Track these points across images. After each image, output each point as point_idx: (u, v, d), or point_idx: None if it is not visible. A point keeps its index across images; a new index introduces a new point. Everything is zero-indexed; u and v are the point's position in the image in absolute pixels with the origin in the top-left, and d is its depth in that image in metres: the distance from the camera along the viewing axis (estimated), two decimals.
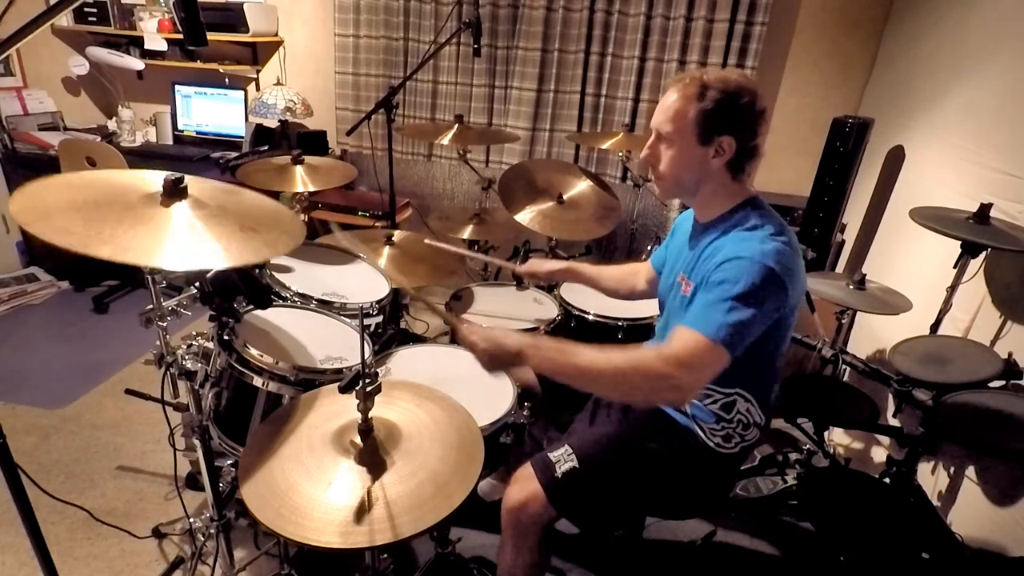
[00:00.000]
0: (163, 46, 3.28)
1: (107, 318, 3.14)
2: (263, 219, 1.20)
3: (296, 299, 1.74)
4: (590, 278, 1.76)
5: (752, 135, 1.21)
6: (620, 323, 2.00)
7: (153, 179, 1.16)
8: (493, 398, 1.56)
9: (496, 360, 1.20)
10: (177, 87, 3.48)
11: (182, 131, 3.54)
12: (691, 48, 2.84)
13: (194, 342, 1.45)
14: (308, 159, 2.22)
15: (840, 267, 2.76)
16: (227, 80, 3.45)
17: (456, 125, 2.51)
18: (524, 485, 1.36)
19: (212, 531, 1.51)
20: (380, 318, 1.87)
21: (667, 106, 1.23)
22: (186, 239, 1.06)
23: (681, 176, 1.27)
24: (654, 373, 1.11)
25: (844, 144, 2.42)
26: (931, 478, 1.88)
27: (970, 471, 1.73)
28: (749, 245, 1.17)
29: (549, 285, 2.50)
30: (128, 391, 2.01)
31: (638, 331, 1.96)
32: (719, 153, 1.21)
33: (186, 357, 1.39)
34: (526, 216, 2.28)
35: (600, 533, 1.92)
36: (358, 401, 1.03)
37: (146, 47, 3.27)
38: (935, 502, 1.81)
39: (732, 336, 1.11)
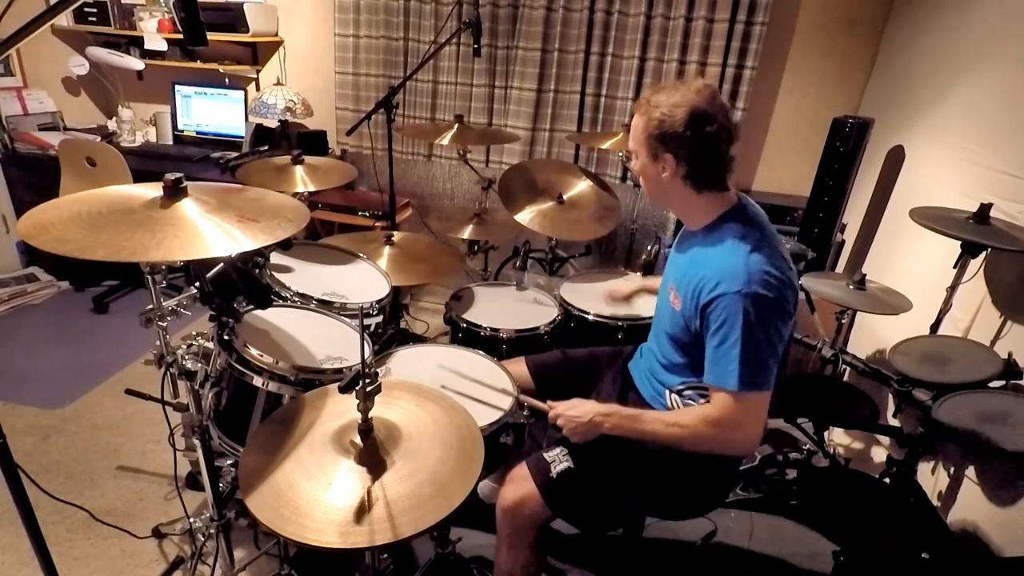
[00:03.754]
0: (163, 46, 3.28)
1: (107, 318, 3.14)
2: (263, 210, 1.21)
3: (296, 299, 1.74)
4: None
5: (694, 153, 1.23)
6: (620, 323, 2.00)
7: (152, 187, 1.18)
8: (493, 398, 1.56)
9: (580, 436, 1.33)
10: (177, 87, 3.48)
11: (182, 131, 3.54)
12: (691, 48, 2.84)
13: (194, 342, 1.45)
14: (308, 159, 2.23)
15: (840, 267, 2.76)
16: (227, 80, 3.45)
17: (456, 125, 2.51)
18: (519, 485, 1.37)
19: (212, 531, 1.51)
20: (380, 318, 1.87)
21: (632, 123, 1.31)
22: (184, 233, 1.07)
23: (649, 189, 1.35)
24: (708, 440, 1.23)
25: (844, 144, 2.42)
26: (931, 478, 1.88)
27: (970, 471, 1.73)
28: (733, 267, 1.19)
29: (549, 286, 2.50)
30: (128, 391, 2.01)
31: (637, 331, 1.96)
32: (664, 169, 1.26)
33: (186, 357, 1.39)
34: (526, 216, 2.28)
35: (597, 533, 1.92)
36: (358, 401, 1.03)
37: (146, 47, 3.26)
38: (935, 502, 1.81)
39: (754, 377, 1.17)
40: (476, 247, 2.69)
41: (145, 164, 3.01)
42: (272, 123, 3.33)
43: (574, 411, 1.34)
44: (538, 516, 1.36)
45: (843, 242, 2.75)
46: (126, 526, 1.87)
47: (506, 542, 1.39)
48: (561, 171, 2.52)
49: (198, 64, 3.35)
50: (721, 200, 1.29)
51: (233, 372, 1.42)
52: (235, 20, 3.07)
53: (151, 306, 1.41)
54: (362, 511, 0.97)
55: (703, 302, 1.22)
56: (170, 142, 3.55)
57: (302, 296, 1.75)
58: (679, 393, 1.38)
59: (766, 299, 1.16)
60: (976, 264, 1.77)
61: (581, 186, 2.46)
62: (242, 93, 3.41)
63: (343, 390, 1.04)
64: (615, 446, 1.39)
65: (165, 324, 1.43)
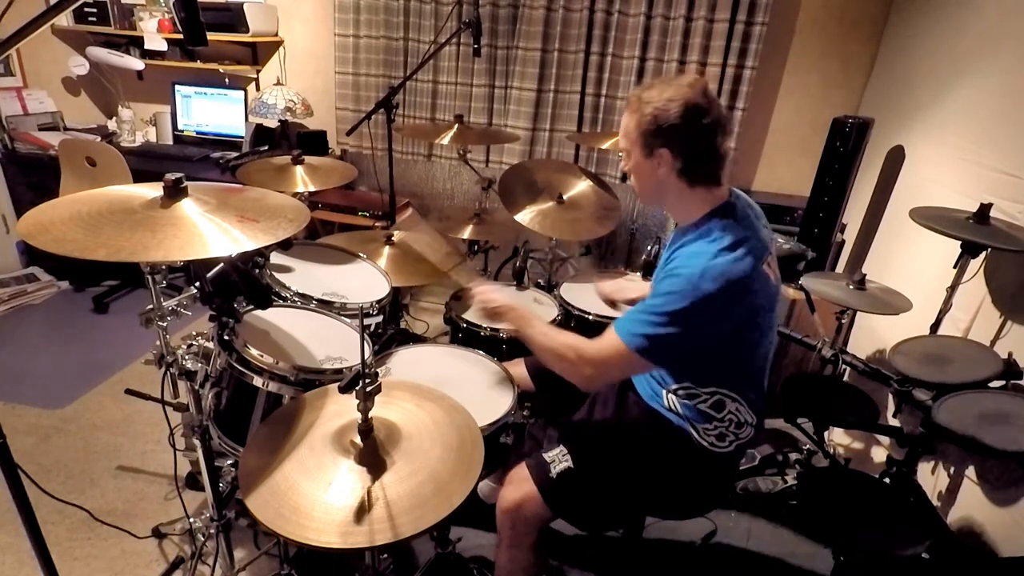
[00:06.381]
0: (163, 46, 3.28)
1: (107, 318, 3.14)
2: (263, 210, 1.21)
3: (296, 299, 1.74)
4: None
5: (689, 146, 1.23)
6: None
7: (152, 187, 1.19)
8: (493, 398, 1.56)
9: (485, 312, 1.50)
10: (177, 87, 3.48)
11: (182, 131, 3.54)
12: (691, 48, 2.84)
13: (194, 342, 1.45)
14: (308, 159, 2.23)
15: (840, 267, 2.76)
16: (227, 80, 3.45)
17: (456, 125, 2.51)
18: (519, 486, 1.37)
19: (212, 531, 1.51)
20: (380, 318, 1.87)
21: (622, 123, 1.31)
22: (184, 233, 1.07)
23: (642, 186, 1.34)
24: (575, 361, 1.29)
25: (844, 144, 2.42)
26: (931, 478, 1.88)
27: (970, 471, 1.73)
28: (696, 262, 1.19)
29: (549, 285, 2.50)
30: (128, 391, 2.01)
31: None
32: (660, 164, 1.26)
33: (186, 357, 1.39)
34: (526, 216, 2.28)
35: (597, 533, 1.92)
36: (358, 401, 1.04)
37: (146, 47, 3.27)
38: (935, 502, 1.81)
39: (649, 348, 1.20)
40: (476, 247, 2.69)
41: (145, 164, 3.01)
42: (272, 123, 3.33)
43: (494, 294, 1.50)
44: (538, 516, 1.35)
45: (843, 242, 2.75)
46: (126, 526, 1.87)
47: (506, 543, 1.39)
48: (561, 171, 2.52)
49: (198, 64, 3.36)
50: (712, 196, 1.29)
51: (233, 372, 1.42)
52: (235, 20, 3.07)
53: (151, 306, 1.41)
54: (362, 511, 0.97)
55: (660, 278, 1.24)
56: (170, 142, 3.55)
57: (302, 296, 1.75)
58: (675, 393, 1.38)
59: (710, 297, 1.16)
60: (976, 264, 1.77)
61: (581, 186, 2.46)
62: (242, 93, 3.41)
63: (343, 390, 1.04)
64: (614, 447, 1.39)
65: (165, 324, 1.43)
